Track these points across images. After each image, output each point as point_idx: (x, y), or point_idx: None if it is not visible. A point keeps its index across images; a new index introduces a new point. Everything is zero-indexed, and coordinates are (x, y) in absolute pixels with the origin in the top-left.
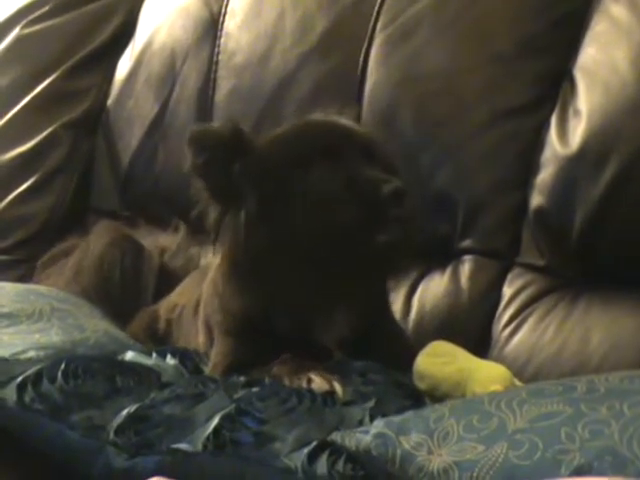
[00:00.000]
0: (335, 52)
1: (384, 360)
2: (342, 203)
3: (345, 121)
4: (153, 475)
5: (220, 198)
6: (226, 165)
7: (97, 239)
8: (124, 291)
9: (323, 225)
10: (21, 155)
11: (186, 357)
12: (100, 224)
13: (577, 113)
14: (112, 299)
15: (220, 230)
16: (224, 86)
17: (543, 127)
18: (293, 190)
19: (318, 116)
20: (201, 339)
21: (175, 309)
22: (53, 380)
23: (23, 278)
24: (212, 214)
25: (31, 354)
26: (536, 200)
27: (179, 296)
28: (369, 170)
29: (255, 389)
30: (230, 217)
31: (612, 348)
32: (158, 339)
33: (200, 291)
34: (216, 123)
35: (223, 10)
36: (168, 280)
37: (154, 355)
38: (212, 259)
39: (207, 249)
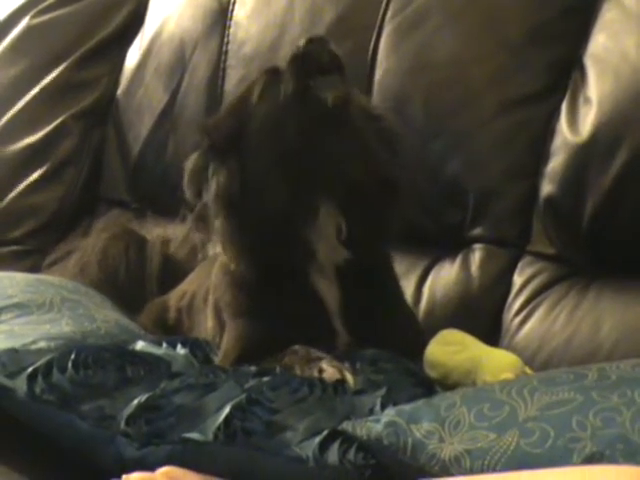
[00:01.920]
0: (344, 41)
1: (394, 345)
2: (280, 83)
3: None
4: (164, 465)
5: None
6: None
7: (99, 234)
8: (129, 283)
9: (270, 121)
10: (31, 145)
11: (196, 347)
12: (101, 220)
13: (587, 101)
14: (118, 292)
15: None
16: (233, 75)
17: (553, 115)
18: (247, 120)
19: None
20: (210, 324)
21: (185, 297)
22: (63, 370)
23: (33, 268)
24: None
25: (42, 344)
26: (547, 188)
27: (189, 284)
28: None
29: (266, 378)
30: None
31: (623, 336)
32: (168, 329)
33: (210, 278)
34: None
35: None
36: (173, 270)
37: (164, 345)
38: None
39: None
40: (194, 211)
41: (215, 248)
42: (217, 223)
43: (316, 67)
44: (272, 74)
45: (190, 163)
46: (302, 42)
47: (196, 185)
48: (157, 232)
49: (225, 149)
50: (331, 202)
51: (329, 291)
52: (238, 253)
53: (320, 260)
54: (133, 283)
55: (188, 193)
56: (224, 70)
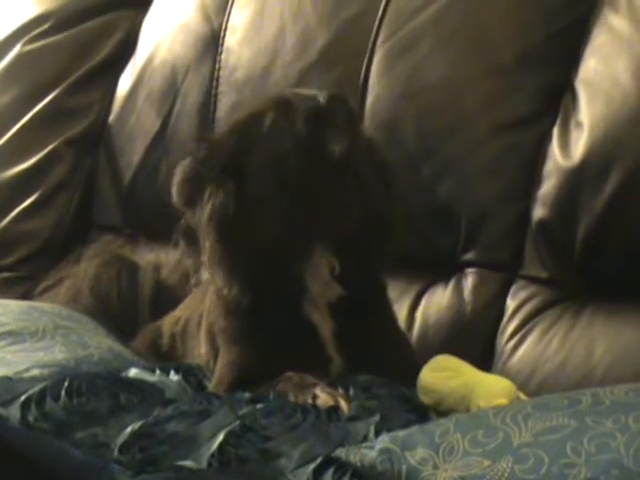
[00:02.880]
0: (336, 66)
1: (388, 371)
2: (287, 130)
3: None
4: None
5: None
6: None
7: (90, 261)
8: (122, 309)
9: (276, 156)
10: (23, 172)
11: (189, 373)
12: (92, 246)
13: (579, 125)
14: (110, 318)
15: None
16: (225, 101)
17: (545, 139)
18: (249, 148)
19: None
20: (204, 349)
21: (178, 323)
22: (57, 398)
23: (26, 295)
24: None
25: (35, 372)
26: (539, 212)
27: (183, 310)
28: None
29: (260, 405)
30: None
31: (616, 360)
32: (162, 355)
33: (204, 303)
34: None
35: (224, 26)
36: (165, 296)
37: (157, 371)
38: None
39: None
40: (181, 225)
41: (205, 272)
42: (207, 244)
43: (331, 124)
44: (284, 108)
45: (181, 169)
46: (323, 96)
47: (186, 193)
48: (149, 258)
49: (225, 168)
50: (326, 244)
51: (322, 321)
52: (227, 278)
53: (313, 295)
54: (125, 309)
55: (177, 200)
56: (216, 96)
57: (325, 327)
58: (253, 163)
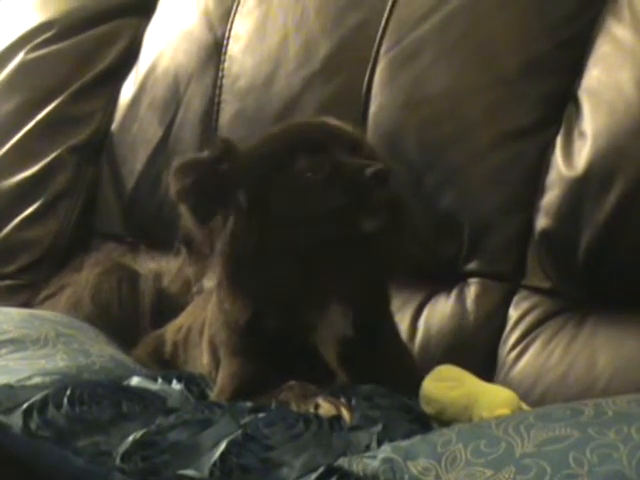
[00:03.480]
0: (339, 75)
1: (390, 381)
2: (326, 191)
3: (334, 120)
4: None
5: (205, 217)
6: (206, 181)
7: (91, 269)
8: (122, 318)
9: (309, 214)
10: (26, 180)
11: (192, 382)
12: (93, 255)
13: (582, 135)
14: (111, 326)
15: (211, 247)
16: (228, 110)
17: (548, 149)
18: (279, 184)
19: (304, 117)
20: (205, 360)
21: (181, 330)
22: (59, 406)
23: (27, 303)
24: (198, 235)
25: (37, 380)
26: (542, 222)
27: (185, 318)
28: (353, 159)
29: (262, 415)
30: (220, 228)
31: (619, 371)
32: (164, 363)
33: (206, 312)
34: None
35: (227, 34)
36: (167, 305)
37: (160, 380)
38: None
39: (208, 273)
40: (182, 233)
41: (210, 282)
42: (221, 269)
43: (370, 201)
44: (318, 156)
45: (193, 164)
46: (370, 171)
47: (197, 195)
48: (150, 266)
49: (249, 192)
50: (342, 299)
51: (328, 349)
52: (236, 304)
53: (322, 336)
54: (126, 317)
55: (176, 188)
56: (219, 104)
57: (330, 353)
58: (280, 203)
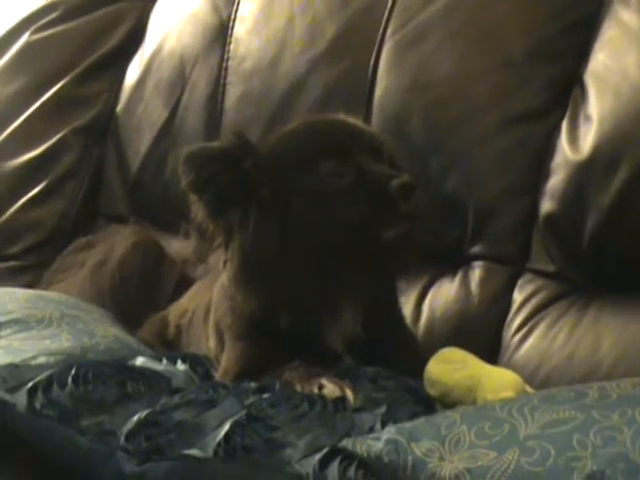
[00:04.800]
0: (345, 57)
1: (394, 364)
2: (351, 198)
3: (353, 120)
4: None
5: (221, 211)
6: (226, 176)
7: (122, 241)
8: (141, 295)
9: (332, 221)
10: (31, 161)
11: (196, 363)
12: (126, 227)
13: (588, 119)
14: (128, 301)
15: (226, 237)
16: (233, 92)
17: (554, 133)
18: (303, 187)
19: (326, 115)
20: (212, 344)
21: (185, 314)
22: (63, 386)
23: (33, 283)
24: (210, 227)
25: (41, 360)
26: (547, 206)
27: (189, 301)
28: (378, 166)
29: (266, 395)
30: (237, 221)
31: (623, 354)
32: (168, 344)
33: (210, 296)
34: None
35: (233, 16)
36: (187, 289)
37: (164, 361)
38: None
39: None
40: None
41: (219, 263)
42: (237, 265)
43: (394, 211)
44: (343, 159)
45: (208, 156)
46: (397, 184)
47: (202, 180)
48: (177, 250)
49: (269, 189)
50: (356, 302)
51: (335, 338)
52: (251, 301)
53: (331, 334)
54: (145, 295)
55: (190, 179)
56: (224, 86)
57: (337, 343)
58: (302, 205)
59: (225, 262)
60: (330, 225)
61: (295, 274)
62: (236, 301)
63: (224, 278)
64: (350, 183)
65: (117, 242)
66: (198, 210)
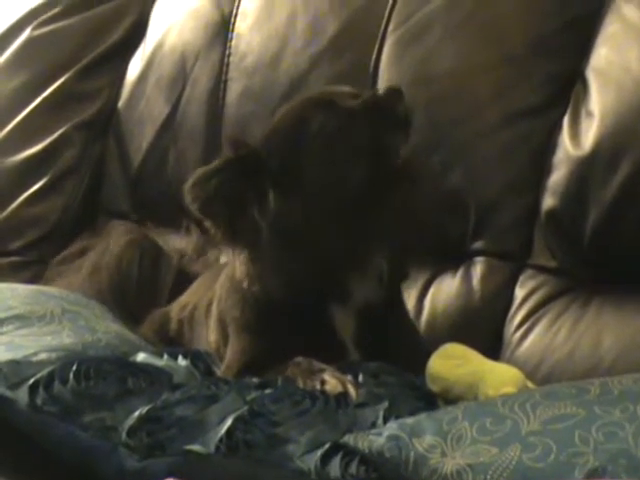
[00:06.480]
0: (346, 53)
1: (397, 358)
2: (347, 131)
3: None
4: (166, 476)
5: (234, 218)
6: (227, 183)
7: (117, 239)
8: (140, 292)
9: (337, 160)
10: (32, 156)
11: (198, 358)
12: (120, 224)
13: (589, 114)
14: (128, 299)
15: (251, 237)
16: (235, 88)
17: (555, 128)
18: (302, 151)
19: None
20: (213, 337)
21: (186, 308)
22: (65, 382)
23: (34, 279)
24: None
25: (43, 356)
26: (548, 202)
27: (191, 296)
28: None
29: (268, 391)
30: (256, 217)
31: (625, 350)
32: (169, 340)
33: (212, 291)
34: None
35: (234, 12)
36: (186, 284)
37: (165, 356)
38: (226, 260)
39: (225, 251)
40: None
41: (225, 258)
42: (269, 249)
43: (392, 121)
44: (330, 109)
45: (206, 176)
46: (381, 91)
47: (208, 198)
48: (174, 244)
49: (279, 172)
50: (383, 251)
51: (345, 321)
52: (281, 282)
53: (355, 301)
54: (144, 292)
55: (198, 206)
56: (225, 82)
57: (346, 327)
58: (307, 172)
59: (238, 256)
60: (339, 165)
61: (324, 238)
62: (250, 291)
63: (231, 271)
64: (339, 125)
65: (111, 242)
66: (215, 230)
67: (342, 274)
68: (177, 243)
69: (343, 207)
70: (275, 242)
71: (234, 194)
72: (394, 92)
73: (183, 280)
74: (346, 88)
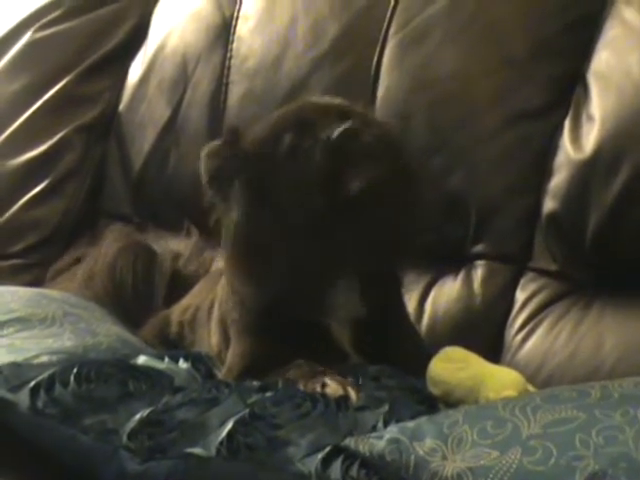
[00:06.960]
0: (347, 56)
1: (397, 361)
2: (306, 161)
3: (331, 99)
4: None
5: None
6: (225, 170)
7: (109, 245)
8: (136, 296)
9: (295, 187)
10: (33, 159)
11: (199, 361)
12: (112, 230)
13: (590, 118)
14: (124, 304)
15: (224, 230)
16: (236, 91)
17: (556, 131)
18: (272, 164)
19: (306, 98)
20: (215, 340)
21: (187, 311)
22: (66, 384)
23: (35, 282)
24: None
25: (44, 359)
26: (549, 205)
27: (192, 298)
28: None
29: (269, 394)
30: (229, 213)
31: (625, 353)
32: (170, 343)
33: (214, 293)
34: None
35: (235, 14)
36: (182, 285)
37: (166, 359)
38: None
39: (221, 253)
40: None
41: (221, 261)
42: (232, 257)
43: (350, 158)
44: (304, 130)
45: (213, 157)
46: (336, 133)
47: (218, 184)
48: (168, 247)
49: (253, 177)
50: (352, 271)
51: (341, 331)
52: (251, 290)
53: (340, 316)
54: (140, 296)
55: (210, 190)
56: (227, 85)
57: (343, 336)
58: (272, 184)
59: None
60: (295, 193)
61: (287, 251)
62: (239, 293)
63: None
64: (305, 149)
65: (105, 247)
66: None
67: (312, 290)
68: (174, 245)
69: (304, 226)
70: (240, 248)
71: (226, 172)
72: (349, 133)
73: (179, 282)
74: (338, 101)
